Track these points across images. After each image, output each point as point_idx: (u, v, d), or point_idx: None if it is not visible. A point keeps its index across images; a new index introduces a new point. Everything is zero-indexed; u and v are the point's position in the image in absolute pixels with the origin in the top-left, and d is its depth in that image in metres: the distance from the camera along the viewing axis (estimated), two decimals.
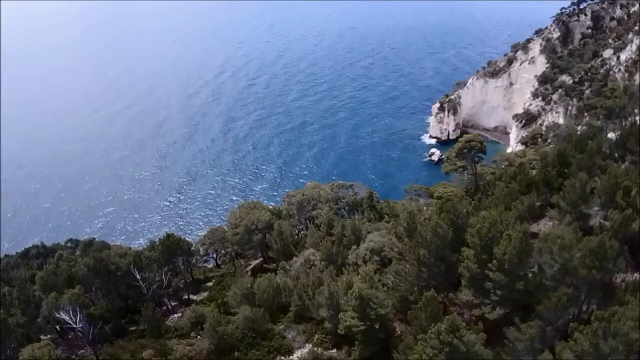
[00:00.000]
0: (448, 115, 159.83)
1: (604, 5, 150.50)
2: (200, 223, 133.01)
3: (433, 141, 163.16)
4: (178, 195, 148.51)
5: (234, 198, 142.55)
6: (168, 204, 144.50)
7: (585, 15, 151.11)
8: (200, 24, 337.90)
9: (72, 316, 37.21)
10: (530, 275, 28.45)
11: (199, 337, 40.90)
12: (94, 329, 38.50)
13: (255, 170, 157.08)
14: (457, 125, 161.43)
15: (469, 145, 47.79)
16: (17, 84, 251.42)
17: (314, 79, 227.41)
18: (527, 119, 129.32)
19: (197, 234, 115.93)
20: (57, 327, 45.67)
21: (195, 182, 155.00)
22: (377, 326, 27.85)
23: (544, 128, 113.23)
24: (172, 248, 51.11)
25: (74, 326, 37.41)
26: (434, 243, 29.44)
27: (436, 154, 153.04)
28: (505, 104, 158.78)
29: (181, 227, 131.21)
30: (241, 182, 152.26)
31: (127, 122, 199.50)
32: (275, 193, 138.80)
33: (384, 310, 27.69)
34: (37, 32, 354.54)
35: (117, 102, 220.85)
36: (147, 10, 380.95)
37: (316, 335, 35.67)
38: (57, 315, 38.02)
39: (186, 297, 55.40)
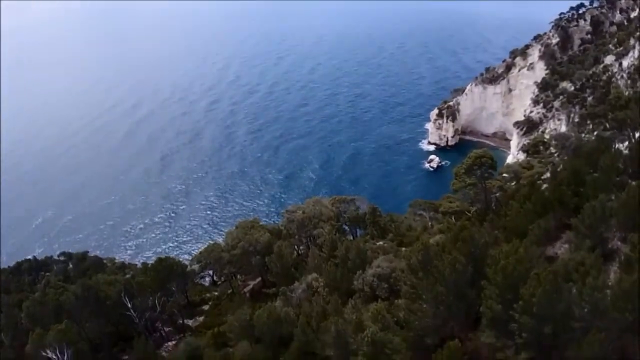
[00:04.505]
0: (447, 122, 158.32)
1: (604, 10, 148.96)
2: (200, 232, 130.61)
3: (432, 147, 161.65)
4: (180, 205, 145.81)
5: (238, 204, 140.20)
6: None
7: (585, 20, 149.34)
8: (204, 30, 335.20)
9: (58, 354, 34.48)
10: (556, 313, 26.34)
11: None
12: None
13: (256, 182, 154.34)
14: (455, 131, 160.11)
15: (479, 161, 45.31)
16: (15, 87, 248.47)
17: (311, 86, 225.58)
18: (529, 126, 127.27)
19: (198, 245, 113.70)
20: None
21: (196, 193, 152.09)
22: None
23: (546, 135, 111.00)
24: (165, 272, 48.40)
25: None
26: (452, 279, 26.97)
27: (435, 160, 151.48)
28: (504, 110, 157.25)
29: (180, 240, 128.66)
30: (243, 191, 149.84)
31: (132, 132, 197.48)
32: (272, 209, 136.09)
33: (399, 357, 25.21)
34: (42, 36, 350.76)
35: (117, 109, 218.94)
36: (159, 17, 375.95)
37: None
38: (43, 354, 35.24)
39: (181, 321, 52.75)
